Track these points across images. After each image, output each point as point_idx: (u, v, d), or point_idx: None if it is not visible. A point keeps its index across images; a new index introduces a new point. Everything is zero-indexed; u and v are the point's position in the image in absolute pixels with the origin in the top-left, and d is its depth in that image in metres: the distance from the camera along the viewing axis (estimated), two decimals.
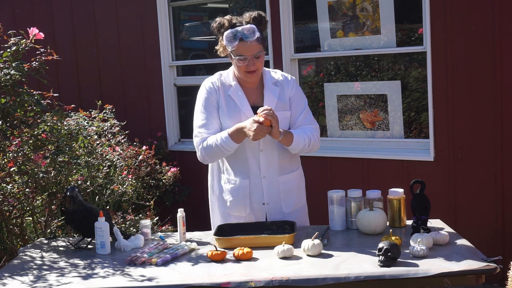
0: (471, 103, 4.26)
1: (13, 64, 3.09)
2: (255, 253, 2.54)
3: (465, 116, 4.28)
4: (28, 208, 3.53)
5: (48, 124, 3.32)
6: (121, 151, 4.10)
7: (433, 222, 2.86)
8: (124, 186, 3.97)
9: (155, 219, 4.18)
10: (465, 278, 2.30)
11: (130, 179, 4.01)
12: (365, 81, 4.80)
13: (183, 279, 2.33)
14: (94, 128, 3.78)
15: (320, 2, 4.83)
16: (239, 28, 2.77)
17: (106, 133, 4.12)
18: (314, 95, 4.99)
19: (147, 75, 5.80)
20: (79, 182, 3.60)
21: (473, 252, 2.44)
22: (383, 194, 2.92)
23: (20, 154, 3.08)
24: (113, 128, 4.15)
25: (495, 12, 4.09)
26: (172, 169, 4.56)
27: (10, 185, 3.20)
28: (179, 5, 5.74)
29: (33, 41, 3.14)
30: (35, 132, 3.21)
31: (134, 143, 4.46)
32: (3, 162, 3.13)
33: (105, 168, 3.92)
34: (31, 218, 3.74)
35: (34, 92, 3.18)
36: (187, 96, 5.80)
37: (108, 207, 4.06)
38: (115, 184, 3.97)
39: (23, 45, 3.12)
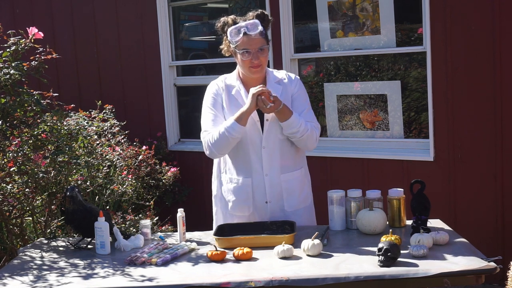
0: (471, 103, 4.26)
1: (13, 64, 3.09)
2: (255, 253, 2.54)
3: (465, 116, 4.28)
4: (28, 208, 3.53)
5: (48, 124, 3.32)
6: (121, 151, 4.10)
7: (433, 222, 2.85)
8: (124, 186, 3.97)
9: (155, 219, 4.18)
10: (465, 278, 2.30)
11: (130, 179, 4.01)
12: (365, 81, 4.80)
13: (183, 279, 2.33)
14: (94, 128, 3.78)
15: (320, 2, 4.83)
16: (242, 23, 2.82)
17: (106, 133, 4.12)
18: (314, 95, 4.99)
19: (147, 75, 5.80)
20: (79, 182, 3.60)
21: (473, 252, 2.44)
22: (383, 194, 2.92)
23: (20, 154, 3.08)
24: (113, 128, 4.15)
25: (495, 12, 4.09)
26: (172, 169, 4.56)
27: (10, 185, 3.20)
28: (179, 5, 5.74)
29: (32, 40, 3.14)
30: (35, 132, 3.21)
31: (134, 143, 4.46)
32: (3, 162, 3.13)
33: (105, 168, 3.92)
34: (31, 218, 3.74)
35: (34, 92, 3.18)
36: (187, 96, 5.80)
37: (108, 207, 4.06)
38: (115, 184, 3.97)
39: (23, 45, 3.12)
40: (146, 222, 2.92)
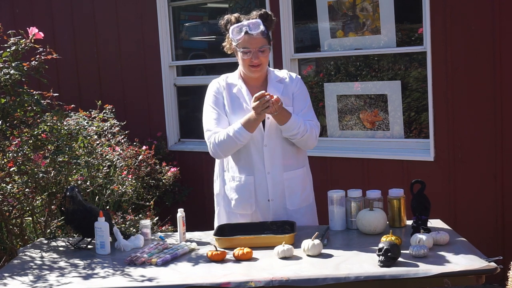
0: (471, 103, 4.26)
1: (13, 64, 3.09)
2: (255, 253, 2.54)
3: (465, 116, 4.28)
4: (28, 208, 3.53)
5: (48, 124, 3.32)
6: (121, 151, 4.10)
7: (433, 222, 2.85)
8: (124, 186, 3.97)
9: (155, 219, 4.18)
10: (466, 278, 2.30)
11: (130, 179, 4.01)
12: (365, 81, 4.80)
13: (183, 279, 2.33)
14: (94, 128, 3.78)
15: (320, 2, 4.83)
16: (245, 22, 2.84)
17: (106, 133, 4.12)
18: (314, 95, 4.99)
19: (147, 75, 5.80)
20: (79, 182, 3.60)
21: (473, 252, 2.44)
22: (383, 194, 2.92)
23: (20, 154, 3.08)
24: (113, 128, 4.15)
25: (495, 12, 4.09)
26: (172, 169, 4.56)
27: (10, 185, 3.20)
28: (179, 5, 5.74)
29: (32, 40, 3.14)
30: (35, 132, 3.21)
31: (134, 143, 4.46)
32: (3, 162, 3.13)
33: (105, 168, 3.91)
34: (30, 218, 3.74)
35: (34, 92, 3.18)
36: (187, 96, 5.80)
37: (108, 207, 4.06)
38: (115, 184, 3.97)
39: (23, 45, 3.12)
40: (146, 222, 2.92)
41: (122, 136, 4.24)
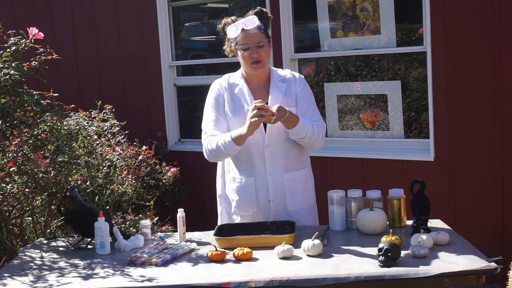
0: (471, 103, 4.26)
1: (13, 64, 3.09)
2: (255, 253, 2.54)
3: (465, 116, 4.28)
4: (27, 208, 3.53)
5: (48, 124, 3.32)
6: (121, 151, 4.10)
7: (433, 222, 2.85)
8: (124, 186, 3.97)
9: (155, 219, 4.18)
10: (466, 278, 2.30)
11: (130, 179, 4.01)
12: (365, 81, 4.80)
13: (183, 279, 2.33)
14: (94, 128, 3.78)
15: (320, 2, 4.83)
16: (240, 20, 2.85)
17: (106, 133, 4.12)
18: (314, 95, 4.94)
19: (147, 75, 5.80)
20: (79, 182, 3.60)
21: (473, 252, 2.44)
22: (383, 194, 2.92)
23: (19, 154, 3.08)
24: (113, 128, 4.15)
25: (495, 12, 4.09)
26: (172, 169, 4.56)
27: (10, 185, 3.20)
28: (179, 5, 5.74)
29: (32, 41, 3.14)
30: (35, 132, 3.21)
31: (134, 143, 4.46)
32: (3, 162, 3.13)
33: (105, 168, 3.91)
34: (30, 218, 3.74)
35: (34, 92, 3.18)
36: (187, 96, 5.80)
37: (108, 207, 4.06)
38: (115, 184, 3.97)
39: (23, 45, 3.12)
40: (146, 222, 2.92)
41: (122, 136, 4.24)
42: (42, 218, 3.66)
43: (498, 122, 4.16)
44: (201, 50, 6.06)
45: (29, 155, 3.11)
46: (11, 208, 3.42)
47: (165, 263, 2.52)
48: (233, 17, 2.91)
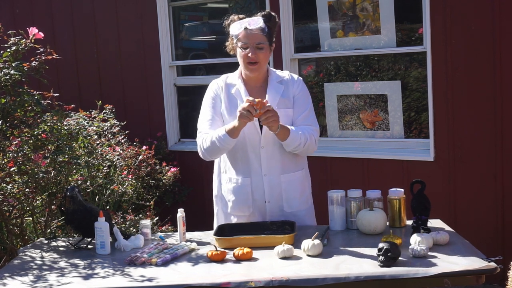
0: (471, 103, 4.26)
1: (13, 64, 3.09)
2: (255, 253, 2.54)
3: (465, 116, 4.28)
4: (28, 208, 3.53)
5: (48, 124, 3.32)
6: (121, 151, 4.10)
7: (433, 222, 2.85)
8: (124, 186, 3.97)
9: (155, 219, 4.18)
10: (465, 278, 2.30)
11: (130, 179, 4.01)
12: (365, 81, 4.80)
13: (183, 279, 2.33)
14: (94, 128, 3.78)
15: (320, 2, 4.83)
16: (245, 19, 2.86)
17: (106, 133, 4.12)
18: (314, 95, 4.99)
19: (147, 75, 5.80)
20: (79, 182, 3.60)
21: (473, 252, 2.44)
22: (383, 194, 2.92)
23: (20, 154, 3.08)
24: (113, 128, 4.15)
25: (495, 12, 4.09)
26: (172, 169, 4.56)
27: (10, 185, 3.20)
28: (179, 5, 5.74)
29: (33, 41, 3.14)
30: (35, 132, 3.21)
31: (134, 143, 4.46)
32: (3, 162, 3.13)
33: (105, 168, 3.91)
34: (31, 218, 3.74)
35: (34, 92, 3.18)
36: (187, 96, 5.80)
37: (108, 207, 4.06)
38: (115, 184, 3.97)
39: (23, 45, 3.12)
40: (146, 222, 2.92)
41: (122, 136, 4.24)
42: (42, 218, 3.66)
43: (498, 122, 4.16)
44: (201, 50, 6.06)
45: (29, 155, 3.11)
46: (11, 208, 3.42)
47: (165, 263, 2.52)
48: (240, 15, 2.92)
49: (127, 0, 5.83)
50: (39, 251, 2.81)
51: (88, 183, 3.74)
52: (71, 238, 3.03)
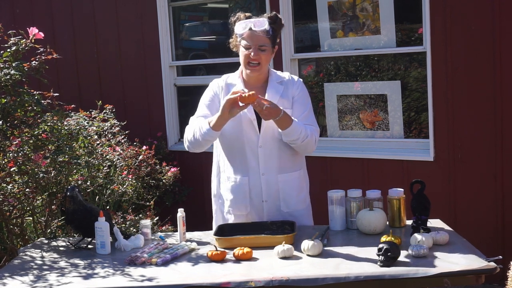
0: (471, 103, 4.26)
1: (13, 64, 3.09)
2: (255, 253, 2.55)
3: (465, 116, 4.29)
4: (28, 208, 3.53)
5: (48, 124, 3.32)
6: (121, 151, 4.10)
7: (433, 222, 2.86)
8: (124, 186, 3.97)
9: (155, 219, 4.18)
10: (465, 278, 2.30)
11: (130, 179, 4.01)
12: (365, 81, 4.81)
13: (183, 279, 2.33)
14: (94, 128, 3.78)
15: (320, 2, 4.83)
16: (251, 19, 2.87)
17: (106, 133, 4.12)
18: (314, 95, 4.99)
19: (147, 75, 5.80)
20: (79, 182, 3.60)
21: (473, 252, 2.44)
22: (383, 194, 2.92)
23: (20, 154, 3.08)
24: (113, 128, 4.15)
25: (495, 12, 4.09)
26: (172, 169, 4.56)
27: (10, 185, 3.20)
28: (179, 5, 5.74)
29: (33, 41, 3.14)
30: (35, 132, 3.21)
31: (134, 143, 4.46)
32: (3, 162, 3.13)
33: (105, 168, 3.92)
34: (31, 218, 3.74)
35: (34, 92, 3.18)
36: (187, 96, 5.80)
37: (108, 207, 4.06)
38: (115, 184, 3.97)
39: (23, 45, 3.12)
40: (146, 222, 2.92)
41: (122, 136, 4.25)
42: (42, 218, 3.66)
43: (498, 122, 4.16)
44: (201, 50, 6.06)
45: (29, 155, 3.12)
46: (11, 208, 3.42)
47: (165, 263, 2.52)
48: (247, 14, 2.92)
49: (127, 0, 5.83)
50: (39, 251, 2.81)
51: (88, 183, 3.74)
52: (71, 238, 3.03)
